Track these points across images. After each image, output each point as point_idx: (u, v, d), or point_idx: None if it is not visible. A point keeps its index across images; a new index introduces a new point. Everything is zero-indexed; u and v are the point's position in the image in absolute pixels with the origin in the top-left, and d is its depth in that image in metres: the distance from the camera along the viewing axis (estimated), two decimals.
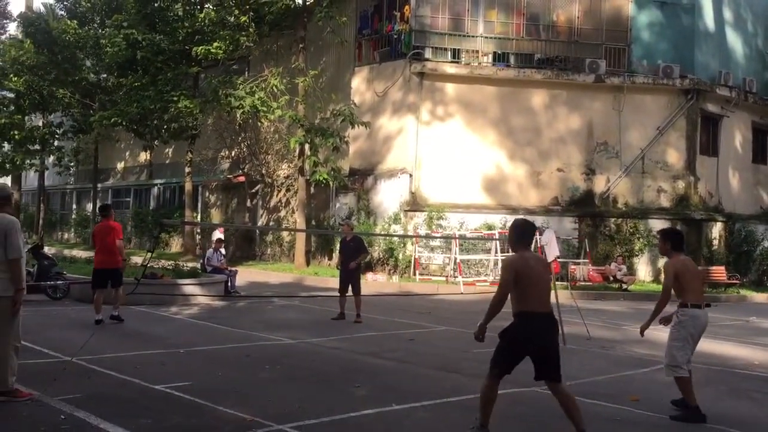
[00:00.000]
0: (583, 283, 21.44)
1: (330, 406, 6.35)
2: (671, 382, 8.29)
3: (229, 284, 16.37)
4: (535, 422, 6.15)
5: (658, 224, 22.84)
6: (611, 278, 21.36)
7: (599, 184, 23.53)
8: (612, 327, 13.43)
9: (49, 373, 7.01)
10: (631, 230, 22.80)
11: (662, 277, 22.93)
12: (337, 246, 23.79)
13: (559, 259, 20.97)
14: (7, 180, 44.10)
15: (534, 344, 5.45)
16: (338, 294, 12.86)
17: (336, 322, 12.44)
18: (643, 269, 22.83)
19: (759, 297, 21.25)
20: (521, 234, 5.79)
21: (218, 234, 19.46)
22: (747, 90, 25.06)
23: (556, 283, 11.14)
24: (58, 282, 13.95)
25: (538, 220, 22.46)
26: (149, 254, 9.43)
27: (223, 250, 17.69)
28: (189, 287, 14.63)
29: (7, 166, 35.69)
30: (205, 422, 5.70)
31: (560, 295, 11.70)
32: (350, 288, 12.66)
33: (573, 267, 22.01)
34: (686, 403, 6.64)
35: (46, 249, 23.40)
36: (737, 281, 22.03)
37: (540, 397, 7.16)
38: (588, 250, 22.36)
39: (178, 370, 7.82)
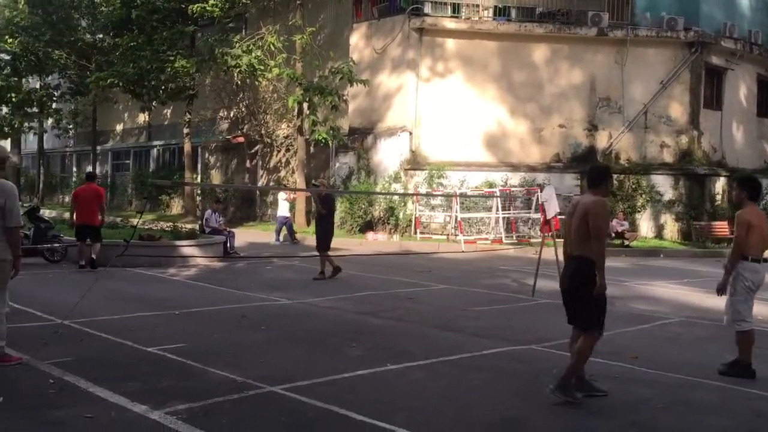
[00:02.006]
0: None
1: (324, 367, 6.26)
2: (671, 339, 8.24)
3: (228, 245, 16.28)
4: (530, 380, 6.05)
5: (660, 180, 22.66)
6: (613, 234, 21.21)
7: (601, 140, 23.25)
8: (613, 283, 13.20)
9: (41, 336, 6.92)
10: (633, 186, 22.58)
11: (664, 233, 22.84)
12: (339, 207, 23.69)
13: (562, 216, 20.89)
14: (7, 143, 43.92)
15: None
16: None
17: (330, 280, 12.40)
18: (645, 225, 22.67)
19: None
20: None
21: (283, 196, 20.91)
22: (752, 42, 24.56)
23: (556, 240, 11.00)
24: (55, 245, 13.86)
25: (540, 177, 22.27)
26: (139, 216, 9.25)
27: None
28: (187, 248, 14.53)
29: (6, 129, 35.50)
30: (195, 384, 5.62)
31: (560, 250, 11.57)
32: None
33: None
34: (737, 361, 6.48)
35: (46, 212, 23.40)
36: None
37: (538, 355, 7.09)
38: None
39: (172, 331, 7.74)
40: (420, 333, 8.14)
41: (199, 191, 30.71)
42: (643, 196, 22.52)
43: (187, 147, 28.81)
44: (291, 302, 10.05)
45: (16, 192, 6.34)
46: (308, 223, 24.64)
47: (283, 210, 20.91)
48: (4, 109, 35.63)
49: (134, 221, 26.04)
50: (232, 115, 29.11)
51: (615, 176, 22.78)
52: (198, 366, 6.18)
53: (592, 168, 6.00)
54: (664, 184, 22.68)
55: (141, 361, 6.36)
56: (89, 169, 36.89)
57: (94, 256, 12.96)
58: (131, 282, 11.85)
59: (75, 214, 13.33)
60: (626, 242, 20.56)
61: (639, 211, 22.62)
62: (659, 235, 22.53)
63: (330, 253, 12.85)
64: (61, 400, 5.14)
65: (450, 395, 5.50)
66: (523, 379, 6.06)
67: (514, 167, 22.80)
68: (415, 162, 22.79)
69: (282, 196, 21.16)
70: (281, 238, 20.52)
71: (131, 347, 6.88)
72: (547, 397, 5.47)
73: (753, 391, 5.98)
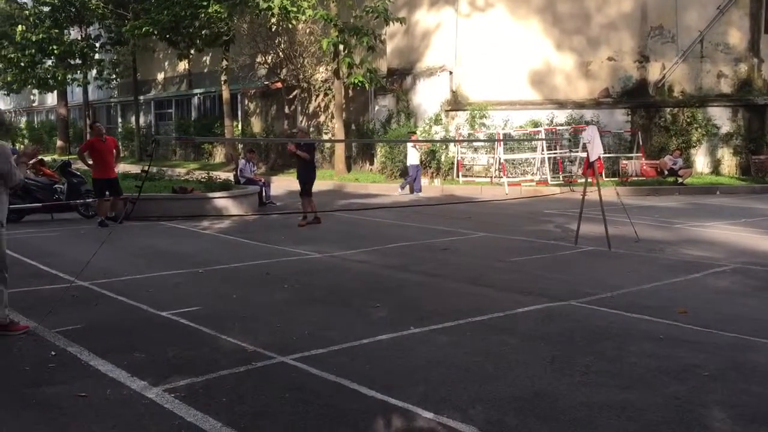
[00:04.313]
0: (635, 179, 20.41)
1: (343, 332, 5.86)
2: (726, 291, 7.57)
3: (264, 195, 15.99)
4: (565, 343, 5.54)
5: (717, 112, 21.43)
6: (666, 172, 20.24)
7: (654, 72, 22.01)
8: (663, 226, 12.59)
9: (57, 300, 6.68)
10: (688, 120, 21.43)
11: (721, 168, 21.70)
12: (378, 152, 23.17)
13: (609, 155, 19.97)
14: (53, 96, 44.40)
15: None
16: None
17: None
18: (700, 161, 21.60)
19: None
20: None
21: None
22: None
23: (603, 180, 10.30)
24: (89, 200, 13.74)
25: (588, 114, 21.29)
26: (146, 170, 8.93)
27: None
28: (220, 200, 14.27)
29: (51, 81, 35.76)
30: (202, 354, 5.29)
31: (605, 193, 10.91)
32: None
33: (624, 162, 20.96)
34: None
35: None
36: None
37: (576, 313, 6.56)
38: (641, 143, 21.18)
39: (191, 292, 7.45)
40: (450, 289, 7.67)
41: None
42: (699, 130, 21.36)
43: (225, 94, 28.49)
44: (320, 256, 9.67)
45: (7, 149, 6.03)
46: (348, 169, 24.21)
47: (413, 158, 19.29)
48: (48, 62, 35.80)
49: (179, 171, 26.08)
50: (269, 60, 28.55)
51: (668, 110, 21.63)
52: (209, 332, 5.85)
53: None
54: (721, 117, 21.43)
55: (151, 328, 6.07)
56: (137, 116, 37.09)
57: (112, 214, 12.70)
58: (161, 237, 11.66)
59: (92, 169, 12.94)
60: (680, 180, 19.60)
61: (694, 146, 21.51)
62: (716, 171, 21.43)
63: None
64: (59, 375, 4.86)
65: (474, 365, 5.04)
66: (558, 343, 5.54)
67: (560, 104, 21.81)
68: (455, 102, 22.00)
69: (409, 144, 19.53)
70: (415, 187, 19.08)
71: (145, 312, 6.60)
72: (582, 366, 4.97)
73: None
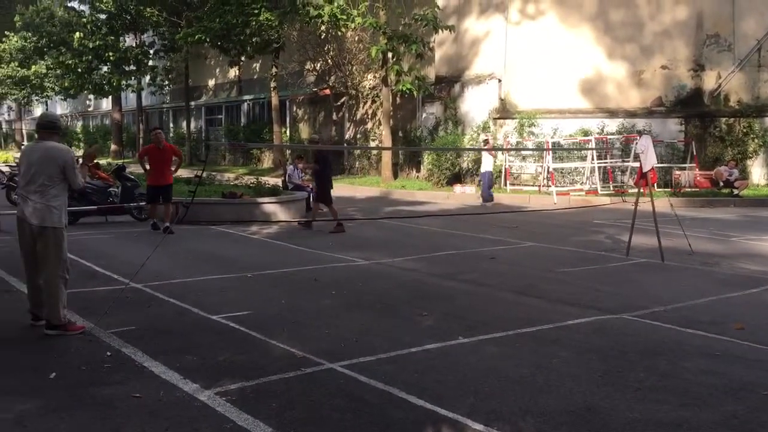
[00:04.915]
0: (689, 190, 19.97)
1: (390, 340, 5.86)
2: None
3: (311, 201, 16.07)
4: (617, 357, 5.43)
5: None
6: (720, 183, 19.75)
7: (709, 81, 21.52)
8: (718, 239, 12.28)
9: (112, 301, 6.83)
10: (744, 130, 20.88)
11: None
12: (425, 159, 23.15)
13: (662, 165, 19.56)
14: (108, 101, 45.58)
15: None
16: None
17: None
18: (757, 173, 21.02)
19: None
20: None
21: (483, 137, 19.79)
22: None
23: (656, 190, 10.10)
24: (142, 203, 14.03)
25: (640, 123, 20.92)
26: (199, 175, 9.09)
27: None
28: (268, 206, 14.42)
29: (106, 87, 36.73)
30: (252, 359, 5.34)
31: (658, 204, 10.69)
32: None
33: (678, 173, 20.52)
34: None
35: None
36: None
37: (628, 326, 6.43)
38: (695, 153, 20.71)
39: (240, 297, 7.53)
40: (499, 299, 7.59)
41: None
42: (756, 140, 20.80)
43: (274, 100, 28.85)
44: (367, 263, 9.70)
45: (72, 155, 6.23)
46: (395, 176, 24.24)
47: (488, 165, 18.78)
48: (104, 68, 36.78)
49: (228, 176, 26.47)
50: (318, 67, 28.82)
51: (723, 120, 21.10)
52: (259, 337, 5.91)
53: None
54: None
55: (203, 331, 6.15)
56: (188, 122, 37.78)
57: (168, 223, 12.30)
58: (211, 241, 11.85)
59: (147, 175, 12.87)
60: (735, 191, 19.09)
61: (750, 157, 20.95)
62: None
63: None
64: (114, 375, 4.97)
65: (525, 377, 4.98)
66: (609, 357, 5.44)
67: (612, 113, 21.49)
68: (504, 110, 21.86)
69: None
70: (485, 195, 18.53)
71: (196, 315, 6.70)
72: (635, 381, 4.87)
73: None
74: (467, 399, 4.54)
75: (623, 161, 20.55)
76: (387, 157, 23.80)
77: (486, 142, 19.54)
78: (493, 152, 19.35)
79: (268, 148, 32.03)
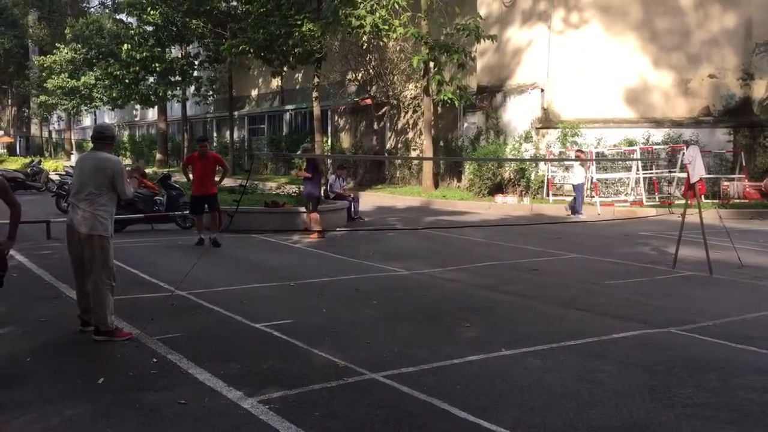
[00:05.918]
0: (737, 201, 19.50)
1: (432, 351, 5.83)
2: None
3: (352, 210, 16.17)
4: (664, 373, 5.31)
5: None
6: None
7: (758, 90, 21.05)
8: (764, 251, 11.95)
9: (157, 308, 6.94)
10: None
11: None
12: (466, 169, 23.08)
13: (710, 176, 19.15)
14: (154, 111, 46.49)
15: None
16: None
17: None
18: None
19: None
20: None
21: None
22: None
23: (703, 201, 9.89)
24: (187, 212, 14.24)
25: (686, 133, 20.56)
26: (244, 185, 9.17)
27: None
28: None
29: (152, 97, 37.45)
30: (295, 368, 5.37)
31: (706, 215, 10.45)
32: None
33: (726, 184, 20.08)
34: None
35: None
36: None
37: (675, 341, 6.29)
38: (744, 164, 20.23)
39: (283, 305, 7.59)
40: (542, 311, 7.50)
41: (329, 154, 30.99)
42: None
43: (316, 110, 29.05)
44: (408, 273, 9.69)
45: (122, 166, 6.37)
46: (436, 186, 24.20)
47: (579, 177, 18.24)
48: (150, 79, 37.53)
49: (270, 184, 26.75)
50: (359, 77, 28.98)
51: None
52: (301, 346, 5.94)
53: None
54: None
55: (246, 339, 6.21)
56: (231, 131, 38.26)
57: (215, 234, 12.03)
58: (254, 250, 11.97)
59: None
60: None
61: None
62: None
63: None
64: (160, 381, 5.04)
65: (569, 391, 4.90)
66: (657, 372, 5.33)
67: (657, 123, 21.14)
68: (547, 120, 21.67)
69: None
70: (577, 208, 17.79)
71: (240, 323, 6.77)
72: (683, 397, 4.76)
73: None
74: (511, 412, 4.49)
75: (669, 172, 20.17)
76: (428, 166, 23.78)
77: (580, 152, 19.03)
78: (586, 164, 18.80)
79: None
